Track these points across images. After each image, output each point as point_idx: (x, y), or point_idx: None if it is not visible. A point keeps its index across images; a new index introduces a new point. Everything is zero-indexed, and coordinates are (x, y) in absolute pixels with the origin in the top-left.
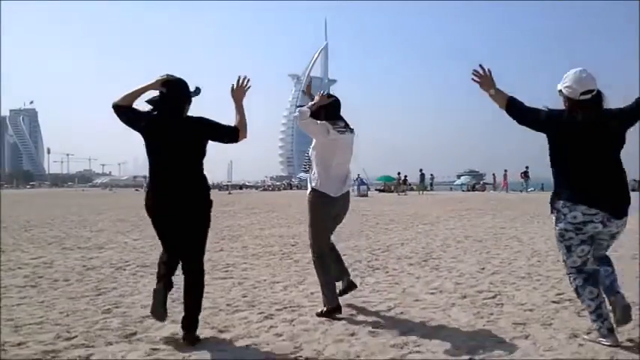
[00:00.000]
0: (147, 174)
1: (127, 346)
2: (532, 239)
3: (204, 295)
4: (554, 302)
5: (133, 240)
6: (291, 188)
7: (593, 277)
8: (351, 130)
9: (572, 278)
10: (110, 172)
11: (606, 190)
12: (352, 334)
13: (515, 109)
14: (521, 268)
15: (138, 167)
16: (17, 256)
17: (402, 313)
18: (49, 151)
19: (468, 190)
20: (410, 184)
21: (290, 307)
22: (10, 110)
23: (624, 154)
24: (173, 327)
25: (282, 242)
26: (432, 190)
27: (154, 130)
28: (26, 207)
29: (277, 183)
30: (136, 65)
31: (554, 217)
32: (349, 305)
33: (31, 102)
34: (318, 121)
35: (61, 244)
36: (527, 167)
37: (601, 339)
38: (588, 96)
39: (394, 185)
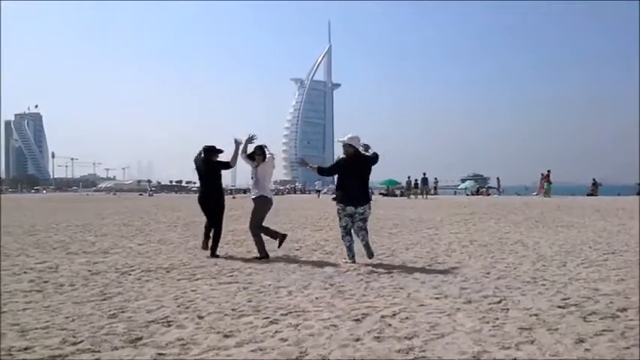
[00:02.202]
0: (150, 178)
1: (133, 351)
2: (537, 244)
3: (211, 298)
4: (560, 307)
5: (137, 245)
6: (294, 192)
7: (350, 232)
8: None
9: (341, 232)
10: (114, 177)
11: (355, 195)
12: (357, 339)
13: (323, 171)
14: (526, 273)
15: (142, 171)
16: (22, 260)
17: (407, 317)
18: (53, 156)
19: (472, 195)
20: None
21: (295, 311)
22: (15, 114)
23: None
24: (178, 332)
25: (286, 247)
26: (436, 194)
27: (199, 167)
28: (31, 211)
29: (281, 187)
30: (142, 68)
31: (335, 203)
32: (354, 309)
33: (36, 106)
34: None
35: (66, 248)
36: (549, 171)
37: (349, 261)
38: (360, 148)
39: (405, 189)
